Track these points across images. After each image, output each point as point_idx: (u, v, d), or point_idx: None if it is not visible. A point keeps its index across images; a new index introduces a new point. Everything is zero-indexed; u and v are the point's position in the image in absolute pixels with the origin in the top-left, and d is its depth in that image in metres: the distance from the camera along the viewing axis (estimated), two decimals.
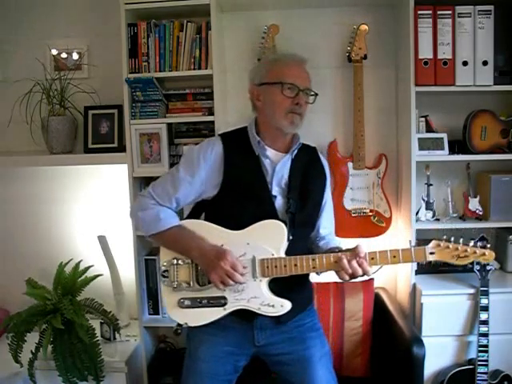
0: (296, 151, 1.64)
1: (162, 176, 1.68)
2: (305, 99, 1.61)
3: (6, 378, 2.16)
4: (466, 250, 1.45)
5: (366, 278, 1.54)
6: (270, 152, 1.62)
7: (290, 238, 1.53)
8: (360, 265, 1.45)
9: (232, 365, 1.62)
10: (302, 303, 1.66)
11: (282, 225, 1.53)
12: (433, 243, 1.47)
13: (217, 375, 1.59)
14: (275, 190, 1.59)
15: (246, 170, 1.59)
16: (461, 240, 1.47)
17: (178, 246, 1.59)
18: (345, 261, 1.45)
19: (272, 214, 1.55)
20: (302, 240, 1.64)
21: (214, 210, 1.62)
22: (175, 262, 1.59)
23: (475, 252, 1.45)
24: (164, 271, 1.61)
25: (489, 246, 1.51)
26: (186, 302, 1.57)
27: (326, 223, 1.73)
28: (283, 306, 1.52)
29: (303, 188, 1.62)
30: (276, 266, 1.50)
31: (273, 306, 1.52)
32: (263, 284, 1.52)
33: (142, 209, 1.62)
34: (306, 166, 1.65)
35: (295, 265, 1.49)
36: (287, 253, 1.53)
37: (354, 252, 1.47)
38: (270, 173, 1.60)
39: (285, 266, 1.50)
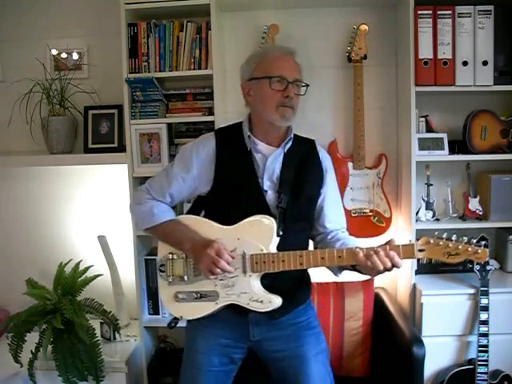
0: (290, 144, 1.62)
1: (159, 171, 1.72)
2: (295, 91, 1.56)
3: (6, 378, 2.16)
4: (457, 248, 1.36)
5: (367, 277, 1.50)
6: (262, 146, 1.61)
7: (281, 233, 1.51)
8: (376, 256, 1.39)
9: (228, 357, 1.63)
10: (297, 300, 1.64)
11: (272, 220, 1.51)
12: (422, 240, 1.39)
13: (213, 366, 1.60)
14: (266, 185, 1.58)
15: (237, 165, 1.58)
16: (453, 237, 1.39)
17: (171, 239, 1.61)
18: (361, 254, 1.39)
19: (264, 209, 1.54)
20: (296, 235, 1.60)
21: (210, 205, 1.64)
22: (171, 256, 1.61)
23: (467, 250, 1.36)
24: (161, 265, 1.63)
25: (484, 243, 1.44)
26: (181, 296, 1.58)
27: (332, 217, 1.67)
28: (271, 302, 1.50)
29: (296, 182, 1.59)
30: (264, 262, 1.48)
31: (261, 301, 1.50)
32: (253, 279, 1.51)
33: (137, 203, 1.67)
34: (300, 160, 1.62)
35: (283, 261, 1.47)
36: (280, 248, 1.51)
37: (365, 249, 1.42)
38: (261, 167, 1.59)
39: (273, 261, 1.48)
